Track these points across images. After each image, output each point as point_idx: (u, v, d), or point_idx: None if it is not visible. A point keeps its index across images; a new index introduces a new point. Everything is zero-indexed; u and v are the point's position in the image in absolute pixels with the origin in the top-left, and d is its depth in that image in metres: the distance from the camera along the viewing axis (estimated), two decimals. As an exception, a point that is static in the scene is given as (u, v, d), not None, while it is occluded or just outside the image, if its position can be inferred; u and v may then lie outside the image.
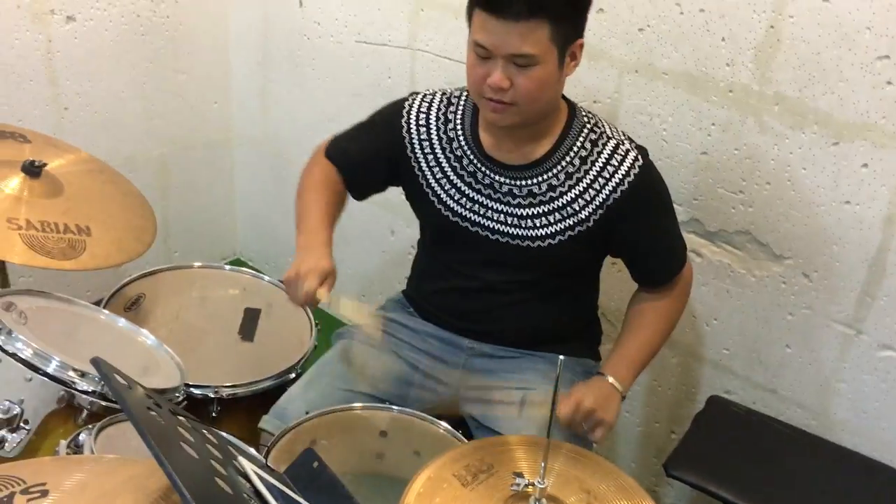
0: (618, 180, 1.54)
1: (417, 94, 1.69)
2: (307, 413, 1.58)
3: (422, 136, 1.65)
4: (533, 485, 1.19)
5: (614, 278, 1.98)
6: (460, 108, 1.64)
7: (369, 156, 1.72)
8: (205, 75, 2.73)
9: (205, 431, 1.06)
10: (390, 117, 1.69)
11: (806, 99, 1.67)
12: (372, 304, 1.61)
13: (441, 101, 1.67)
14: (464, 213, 1.63)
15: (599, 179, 1.55)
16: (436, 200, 1.65)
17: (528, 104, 1.46)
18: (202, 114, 2.78)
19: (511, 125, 1.50)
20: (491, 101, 1.46)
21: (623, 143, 1.57)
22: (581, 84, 1.96)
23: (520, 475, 1.22)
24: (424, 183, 1.66)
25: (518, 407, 1.57)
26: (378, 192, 1.79)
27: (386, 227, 2.51)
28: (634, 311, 1.68)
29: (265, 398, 1.73)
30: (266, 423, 1.63)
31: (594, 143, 1.56)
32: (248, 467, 1.03)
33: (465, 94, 1.66)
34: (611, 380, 1.57)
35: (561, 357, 1.13)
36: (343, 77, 2.49)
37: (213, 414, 1.75)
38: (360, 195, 1.79)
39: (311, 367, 1.75)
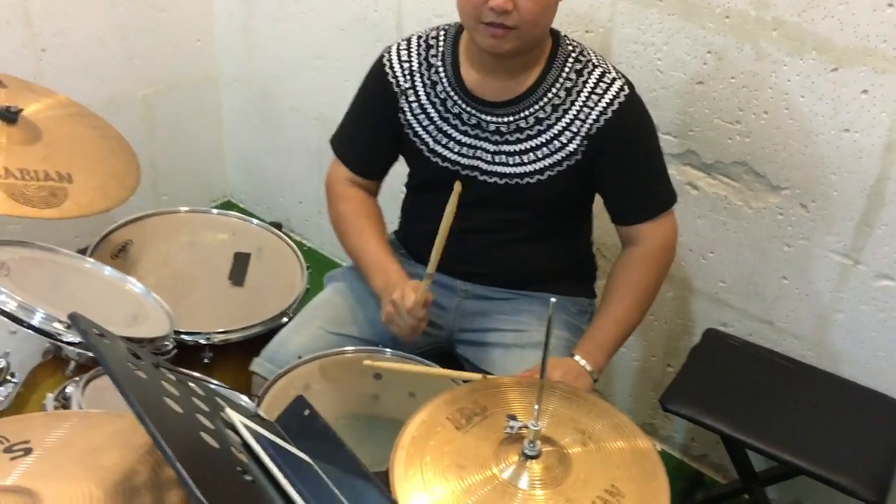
0: (602, 108, 1.49)
1: (390, 46, 1.62)
2: (299, 357, 1.57)
3: (407, 85, 1.59)
4: (527, 427, 1.17)
5: (609, 213, 1.95)
6: (440, 49, 1.58)
7: (376, 137, 1.67)
8: (186, 12, 2.65)
9: (191, 384, 1.04)
10: (376, 81, 1.62)
11: (805, 23, 1.62)
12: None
13: (420, 45, 1.60)
14: (453, 158, 1.58)
15: (584, 109, 1.50)
16: (424, 148, 1.60)
17: (529, 28, 1.41)
18: (185, 53, 2.71)
19: (509, 51, 1.44)
20: (490, 25, 1.40)
21: (609, 72, 1.51)
22: (573, 13, 1.90)
23: (513, 417, 1.21)
24: (411, 132, 1.61)
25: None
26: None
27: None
28: (610, 285, 1.61)
29: (258, 343, 1.71)
30: (257, 366, 1.62)
31: (579, 73, 1.51)
32: (237, 419, 1.01)
33: (442, 33, 1.60)
34: (582, 362, 1.52)
35: (553, 299, 1.10)
36: (327, 11, 2.41)
37: (206, 360, 1.74)
38: (383, 175, 1.74)
39: (303, 309, 1.73)
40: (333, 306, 1.70)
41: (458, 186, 1.37)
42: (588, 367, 1.52)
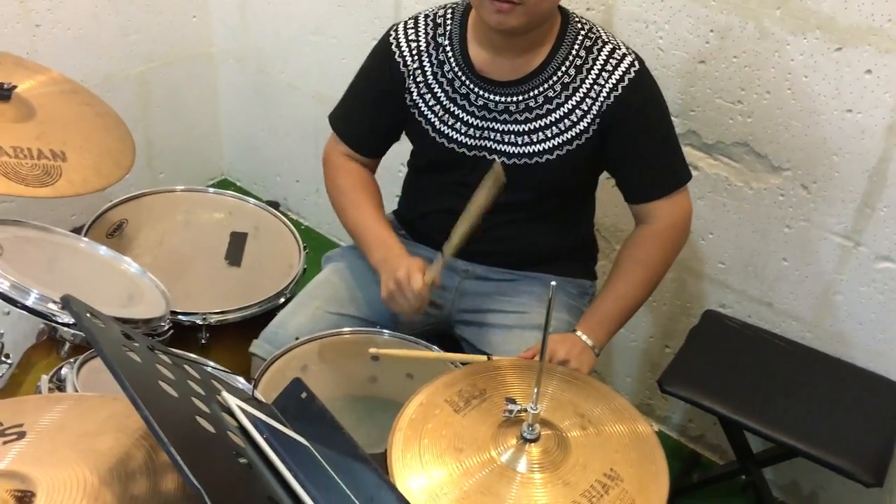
0: (612, 84, 1.47)
1: (396, 25, 1.60)
2: (297, 339, 1.56)
3: (415, 65, 1.56)
4: (526, 410, 1.17)
5: (609, 194, 1.93)
6: (448, 28, 1.55)
7: (378, 116, 1.64)
8: (180, -13, 2.62)
9: (187, 367, 1.03)
10: (382, 60, 1.60)
11: (809, 2, 1.59)
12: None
13: (427, 24, 1.57)
14: (459, 139, 1.56)
15: (595, 87, 1.48)
16: (430, 129, 1.58)
17: (535, 3, 1.38)
18: (180, 28, 2.67)
19: (515, 27, 1.41)
20: (496, 0, 1.38)
21: (619, 48, 1.49)
22: (573, -10, 1.87)
23: (512, 401, 1.20)
24: (417, 112, 1.58)
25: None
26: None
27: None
28: (617, 262, 1.60)
29: (255, 323, 1.71)
30: (256, 347, 1.61)
31: (589, 51, 1.49)
32: (233, 402, 1.00)
33: (450, 12, 1.57)
34: (584, 337, 1.53)
35: (553, 282, 1.09)
36: (325, -13, 2.38)
37: (203, 341, 1.73)
38: (382, 153, 1.72)
39: (301, 290, 1.72)
40: (332, 286, 1.69)
41: (497, 167, 1.35)
42: (590, 343, 1.53)
